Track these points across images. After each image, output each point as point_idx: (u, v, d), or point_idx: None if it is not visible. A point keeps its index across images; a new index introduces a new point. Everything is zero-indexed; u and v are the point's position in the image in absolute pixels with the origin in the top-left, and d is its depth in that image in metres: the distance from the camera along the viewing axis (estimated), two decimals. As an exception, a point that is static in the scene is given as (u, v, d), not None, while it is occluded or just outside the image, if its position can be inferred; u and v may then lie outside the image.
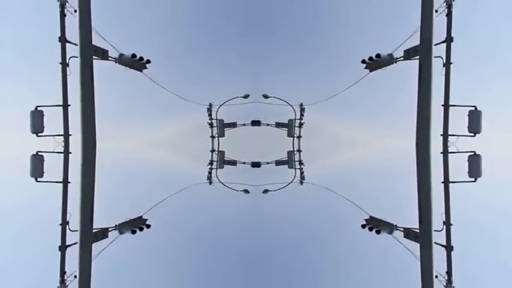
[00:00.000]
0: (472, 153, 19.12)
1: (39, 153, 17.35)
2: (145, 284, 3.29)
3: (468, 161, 17.28)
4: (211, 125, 29.56)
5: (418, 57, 16.53)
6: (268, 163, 17.58)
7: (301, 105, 28.96)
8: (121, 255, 4.13)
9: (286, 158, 22.33)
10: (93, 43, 14.50)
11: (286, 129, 29.48)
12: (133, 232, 4.98)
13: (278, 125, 29.59)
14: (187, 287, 3.27)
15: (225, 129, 29.70)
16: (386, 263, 3.84)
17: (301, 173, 12.92)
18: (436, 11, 16.13)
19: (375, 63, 19.94)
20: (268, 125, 29.43)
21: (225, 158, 22.44)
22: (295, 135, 29.34)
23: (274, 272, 3.52)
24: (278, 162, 18.31)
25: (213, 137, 29.83)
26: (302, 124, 29.15)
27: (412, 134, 18.25)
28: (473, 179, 10.49)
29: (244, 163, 17.96)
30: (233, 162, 18.69)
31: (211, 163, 18.39)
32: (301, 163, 18.34)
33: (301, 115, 29.01)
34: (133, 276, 3.51)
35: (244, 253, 4.07)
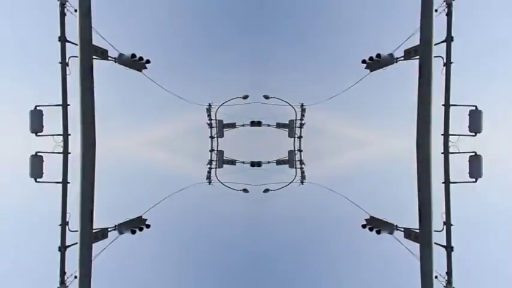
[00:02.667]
0: (473, 154, 19.09)
1: (38, 154, 17.34)
2: (145, 284, 3.28)
3: (469, 161, 17.22)
4: (210, 125, 29.48)
5: (418, 57, 16.56)
6: (269, 162, 17.55)
7: (301, 105, 28.87)
8: (121, 255, 4.12)
9: (287, 158, 22.28)
10: (93, 43, 14.54)
11: (287, 129, 29.40)
12: (133, 232, 4.97)
13: (279, 125, 29.49)
14: (188, 287, 3.26)
15: (224, 129, 29.62)
16: (386, 263, 3.82)
17: (302, 172, 12.90)
18: (436, 10, 16.14)
19: (376, 63, 19.90)
20: (269, 125, 29.34)
21: (224, 158, 22.39)
22: (296, 136, 29.25)
23: (274, 272, 3.50)
24: (279, 162, 18.28)
25: (212, 137, 29.71)
26: (303, 125, 29.04)
27: (412, 133, 18.22)
28: (473, 180, 10.45)
29: (243, 162, 17.94)
30: (232, 162, 18.66)
31: (210, 163, 18.35)
32: (302, 162, 18.31)
33: (302, 115, 28.91)
34: (133, 276, 3.49)
35: (244, 253, 4.06)
